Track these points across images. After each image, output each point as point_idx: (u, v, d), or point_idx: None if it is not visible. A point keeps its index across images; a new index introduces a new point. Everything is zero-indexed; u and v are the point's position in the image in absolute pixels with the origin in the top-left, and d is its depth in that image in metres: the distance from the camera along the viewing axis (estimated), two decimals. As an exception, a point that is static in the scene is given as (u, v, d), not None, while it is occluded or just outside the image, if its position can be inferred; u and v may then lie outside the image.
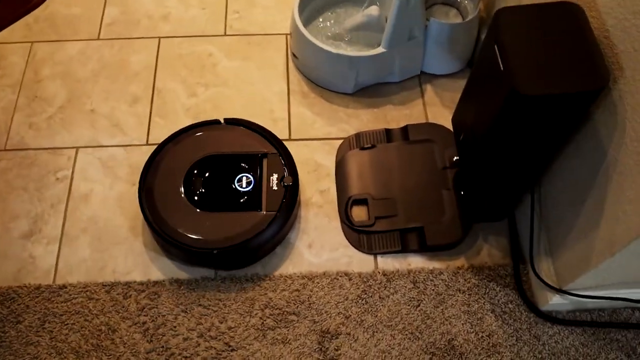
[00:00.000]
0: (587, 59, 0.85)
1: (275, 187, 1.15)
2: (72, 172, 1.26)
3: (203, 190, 1.14)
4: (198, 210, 1.13)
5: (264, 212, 1.13)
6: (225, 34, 1.47)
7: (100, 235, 1.19)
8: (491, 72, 0.92)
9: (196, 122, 1.23)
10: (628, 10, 0.83)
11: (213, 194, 1.15)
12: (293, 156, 1.20)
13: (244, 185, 1.15)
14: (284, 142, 1.22)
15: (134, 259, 1.16)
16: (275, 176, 1.16)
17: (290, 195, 1.15)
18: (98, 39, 1.45)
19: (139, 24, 1.48)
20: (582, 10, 0.90)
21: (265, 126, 1.24)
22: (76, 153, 1.28)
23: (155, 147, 1.28)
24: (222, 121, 1.23)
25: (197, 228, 1.11)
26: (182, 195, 1.14)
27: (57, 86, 1.37)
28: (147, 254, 1.17)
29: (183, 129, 1.22)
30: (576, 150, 0.99)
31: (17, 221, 1.20)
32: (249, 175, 1.16)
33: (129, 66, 1.41)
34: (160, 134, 1.31)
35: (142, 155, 1.28)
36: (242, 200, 1.14)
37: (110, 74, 1.40)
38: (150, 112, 1.34)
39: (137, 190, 1.19)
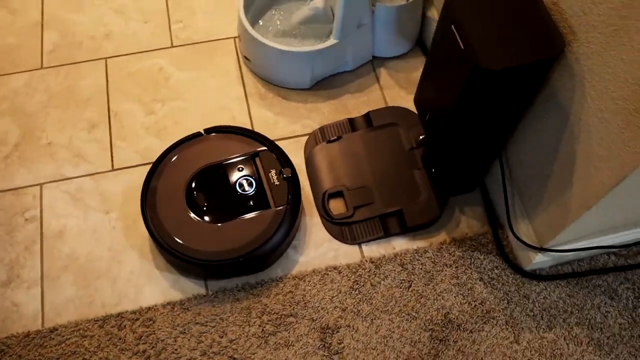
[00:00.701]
0: (541, 27, 0.89)
1: (277, 182, 1.16)
2: (41, 210, 1.22)
3: (207, 204, 1.13)
4: (210, 224, 1.12)
5: (275, 208, 1.14)
6: (172, 46, 1.44)
7: (82, 271, 1.16)
8: (451, 51, 0.94)
9: (178, 139, 1.21)
10: (571, -24, 0.86)
11: (219, 205, 1.14)
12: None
13: (246, 189, 1.15)
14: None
15: (121, 289, 1.14)
16: (273, 172, 1.17)
17: (294, 185, 1.16)
18: (42, 67, 1.40)
19: (81, 47, 1.44)
20: (527, -20, 0.93)
21: (230, 133, 1.23)
22: (41, 190, 1.24)
23: (121, 170, 1.26)
24: (203, 132, 1.22)
25: (216, 242, 1.10)
26: (190, 214, 1.12)
27: (7, 123, 1.32)
28: (132, 281, 1.15)
29: (167, 149, 1.20)
30: (539, 113, 1.03)
31: (-9, 270, 1.16)
32: (249, 177, 1.16)
33: (79, 92, 1.37)
34: (124, 158, 1.28)
35: (111, 181, 1.25)
36: (250, 203, 1.14)
37: (61, 103, 1.35)
38: (111, 137, 1.31)
39: (110, 219, 1.18)
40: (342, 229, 1.20)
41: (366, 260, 1.17)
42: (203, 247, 1.10)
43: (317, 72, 1.35)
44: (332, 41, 1.29)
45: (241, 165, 1.18)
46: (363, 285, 1.15)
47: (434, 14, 1.40)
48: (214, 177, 1.17)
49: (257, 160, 1.19)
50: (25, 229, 1.21)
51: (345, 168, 1.25)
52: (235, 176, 1.17)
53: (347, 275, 1.16)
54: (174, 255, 1.09)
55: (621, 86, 0.81)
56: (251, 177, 1.17)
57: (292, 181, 1.17)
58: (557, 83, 0.96)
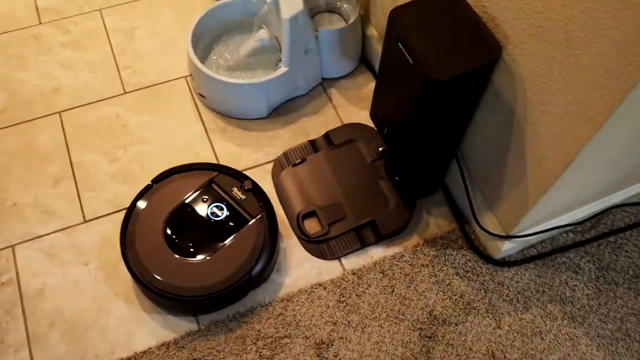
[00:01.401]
0: (477, 35, 0.97)
1: (243, 197, 1.20)
2: (17, 272, 1.21)
3: (190, 243, 1.16)
4: (201, 260, 1.14)
5: (253, 220, 1.18)
6: (124, 92, 1.46)
7: (69, 325, 1.16)
8: (400, 66, 1.01)
9: (134, 197, 1.21)
10: (496, -13, 0.95)
11: (201, 239, 1.17)
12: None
13: (219, 215, 1.18)
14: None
15: (112, 337, 1.14)
16: (235, 189, 1.21)
17: (259, 192, 1.22)
18: (-6, 130, 1.40)
19: (32, 104, 1.43)
20: (460, -6, 1.02)
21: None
22: (13, 251, 1.23)
23: (93, 221, 1.27)
24: (152, 183, 1.23)
25: (214, 273, 1.13)
26: (178, 257, 1.14)
27: (-32, 191, 1.31)
28: (122, 327, 1.16)
29: (129, 207, 1.20)
30: (488, 112, 1.11)
31: (-26, 340, 1.14)
32: (217, 204, 1.20)
33: (38, 149, 1.37)
34: (95, 208, 1.29)
35: (83, 234, 1.25)
36: (229, 224, 1.18)
37: (21, 162, 1.35)
38: (77, 189, 1.31)
39: (90, 270, 1.18)
40: (320, 246, 1.25)
41: (348, 273, 1.22)
42: (202, 284, 1.12)
43: (272, 101, 1.40)
44: (283, 69, 1.34)
45: (204, 197, 1.21)
46: (349, 297, 1.19)
47: (373, 32, 1.47)
48: (185, 216, 1.19)
49: (215, 185, 1.23)
50: (3, 293, 1.19)
51: (314, 188, 1.30)
52: (204, 208, 1.20)
53: (332, 290, 1.20)
54: (169, 299, 1.11)
55: (556, 79, 0.90)
56: (218, 202, 1.20)
57: (256, 190, 1.22)
58: (500, 83, 1.04)
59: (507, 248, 1.22)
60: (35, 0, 1.61)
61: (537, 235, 1.22)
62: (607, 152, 0.98)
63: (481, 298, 1.20)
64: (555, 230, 1.25)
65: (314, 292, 1.19)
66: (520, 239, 1.20)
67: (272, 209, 1.21)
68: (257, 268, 1.14)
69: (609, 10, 0.76)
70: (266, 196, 1.22)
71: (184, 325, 1.16)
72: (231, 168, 1.25)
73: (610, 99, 0.82)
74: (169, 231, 1.17)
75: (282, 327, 1.15)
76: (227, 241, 1.16)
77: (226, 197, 1.21)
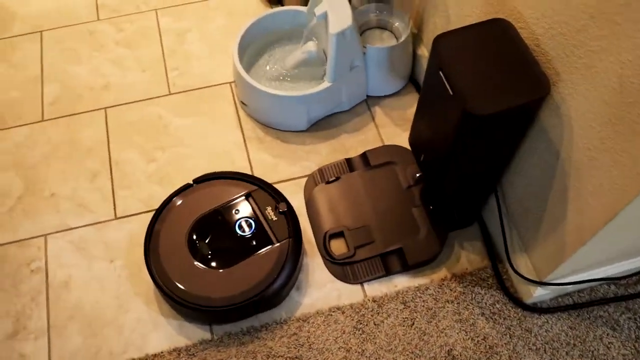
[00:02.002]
0: (526, 69, 0.91)
1: (274, 218, 1.19)
2: (46, 261, 1.24)
3: (210, 251, 1.15)
4: (216, 270, 1.14)
5: (278, 243, 1.16)
6: (170, 93, 1.48)
7: (88, 320, 1.17)
8: (440, 96, 0.97)
9: (170, 193, 1.23)
10: (552, 20, 0.90)
11: (223, 250, 1.16)
12: (263, 203, 1.23)
13: (246, 230, 1.17)
14: (251, 190, 1.25)
15: (127, 337, 1.15)
16: (269, 208, 1.19)
17: (291, 217, 1.19)
18: (42, 120, 1.43)
19: (81, 98, 1.47)
20: (511, 24, 0.96)
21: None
22: (45, 241, 1.26)
23: (124, 219, 1.29)
24: (193, 182, 1.24)
25: (224, 287, 1.12)
26: (195, 263, 1.14)
27: (11, 177, 1.35)
28: (139, 328, 1.16)
29: (165, 201, 1.21)
30: (532, 150, 1.05)
31: (-2, 323, 1.18)
32: (247, 218, 1.18)
33: (80, 142, 1.40)
34: (127, 206, 1.30)
35: (113, 230, 1.27)
36: (252, 243, 1.16)
37: (63, 154, 1.38)
38: (112, 186, 1.33)
39: (115, 267, 1.20)
40: (344, 269, 1.22)
41: (369, 300, 1.18)
42: (211, 294, 1.11)
43: (313, 115, 1.38)
44: (325, 84, 1.32)
45: (237, 208, 1.20)
46: (366, 325, 1.16)
47: (424, 51, 1.43)
48: (212, 223, 1.19)
49: (251, 200, 1.21)
50: (31, 280, 1.22)
51: (345, 208, 1.27)
52: (233, 219, 1.19)
53: (350, 315, 1.17)
54: (181, 304, 1.11)
55: (606, 126, 0.84)
56: (249, 217, 1.19)
57: (289, 214, 1.19)
58: (547, 121, 0.98)
59: (539, 294, 1.15)
60: (97, -5, 1.67)
61: (575, 285, 1.15)
62: (656, 208, 0.90)
63: (505, 343, 1.14)
64: (596, 282, 1.18)
65: (331, 315, 1.17)
66: (555, 287, 1.13)
67: (300, 236, 1.18)
68: (268, 291, 1.12)
69: (668, 59, 0.70)
70: (297, 222, 1.19)
71: (198, 333, 1.15)
72: (272, 186, 1.24)
73: (663, 155, 0.76)
74: (193, 235, 1.17)
75: (295, 348, 1.13)
76: (247, 259, 1.15)
77: (258, 214, 1.20)
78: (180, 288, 1.12)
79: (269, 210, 1.20)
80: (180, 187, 1.23)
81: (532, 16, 0.94)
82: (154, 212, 1.22)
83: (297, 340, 1.14)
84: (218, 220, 1.19)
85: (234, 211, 1.20)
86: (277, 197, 1.22)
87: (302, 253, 1.19)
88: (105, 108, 1.45)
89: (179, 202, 1.21)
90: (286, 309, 1.18)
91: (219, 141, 1.40)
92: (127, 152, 1.38)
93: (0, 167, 1.36)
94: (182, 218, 1.19)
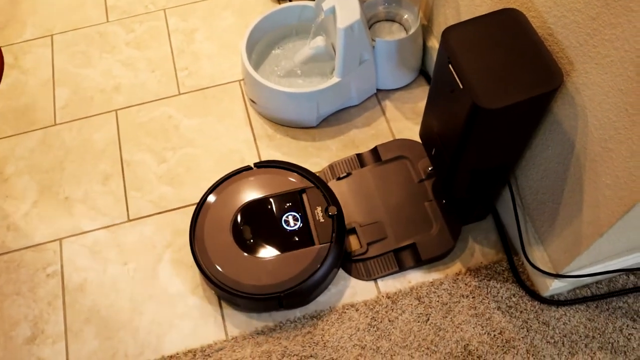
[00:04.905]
0: (538, 60, 0.89)
1: (322, 220, 1.18)
2: (62, 266, 1.25)
3: (252, 238, 1.16)
4: (254, 257, 1.14)
5: (318, 246, 1.15)
6: (179, 93, 1.48)
7: (104, 323, 1.18)
8: (450, 89, 0.95)
9: (228, 172, 1.24)
10: (565, 8, 0.87)
11: (265, 239, 1.16)
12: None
13: (291, 224, 1.17)
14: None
15: (142, 339, 1.16)
16: (319, 209, 1.19)
17: (338, 223, 1.18)
18: (55, 124, 1.44)
19: (92, 101, 1.48)
20: (522, 14, 0.94)
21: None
22: (60, 245, 1.27)
23: (136, 221, 1.29)
24: (253, 166, 1.25)
25: (258, 275, 1.13)
26: (235, 246, 1.15)
27: (25, 181, 1.36)
28: (154, 330, 1.17)
29: (218, 181, 1.23)
30: (546, 141, 1.03)
31: (17, 327, 1.19)
32: (294, 213, 1.18)
33: (92, 145, 1.40)
34: (139, 208, 1.31)
35: (127, 232, 1.28)
36: (294, 239, 1.16)
37: (76, 157, 1.39)
38: (125, 188, 1.34)
39: (129, 270, 1.20)
40: (357, 265, 1.21)
41: (383, 296, 1.18)
42: (247, 281, 1.12)
43: (322, 110, 1.37)
44: (334, 80, 1.31)
45: (288, 201, 1.20)
46: (381, 322, 1.15)
47: (434, 43, 1.41)
48: (261, 210, 1.19)
49: (304, 196, 1.21)
50: (48, 285, 1.23)
51: (356, 204, 1.26)
52: (282, 211, 1.19)
53: (364, 312, 1.16)
54: (220, 288, 1.12)
55: (622, 116, 0.82)
56: (297, 213, 1.19)
57: (338, 219, 1.18)
58: (561, 112, 0.96)
59: (556, 286, 1.13)
60: (105, -3, 1.67)
61: (593, 276, 1.13)
62: (674, 198, 0.88)
63: (522, 337, 1.12)
64: (614, 273, 1.15)
65: (345, 312, 1.16)
66: (572, 278, 1.12)
67: (342, 243, 1.17)
68: (296, 290, 1.11)
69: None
70: (343, 229, 1.18)
71: (213, 334, 1.15)
72: (328, 187, 1.23)
73: (679, 144, 0.74)
74: (240, 217, 1.18)
75: (309, 346, 1.13)
76: (285, 253, 1.15)
77: (308, 212, 1.19)
78: (213, 264, 1.13)
79: (319, 211, 1.19)
80: (240, 168, 1.24)
81: (544, 4, 0.92)
82: (166, 213, 1.22)
83: (311, 338, 1.14)
84: (267, 209, 1.19)
85: (284, 203, 1.20)
86: (330, 200, 1.21)
87: (339, 260, 1.18)
88: (116, 110, 1.46)
89: (235, 182, 1.22)
90: (300, 307, 1.17)
91: (229, 140, 1.40)
92: (138, 153, 1.39)
93: (15, 172, 1.38)
94: (234, 198, 1.20)
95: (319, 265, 1.13)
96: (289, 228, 1.17)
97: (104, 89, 1.49)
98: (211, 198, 1.21)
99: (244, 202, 1.20)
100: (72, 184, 1.35)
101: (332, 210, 1.18)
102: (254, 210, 1.19)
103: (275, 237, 1.17)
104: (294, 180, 1.23)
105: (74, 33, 1.60)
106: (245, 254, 1.14)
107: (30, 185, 1.36)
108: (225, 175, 1.24)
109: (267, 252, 1.15)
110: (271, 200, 1.20)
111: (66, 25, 1.62)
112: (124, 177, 1.35)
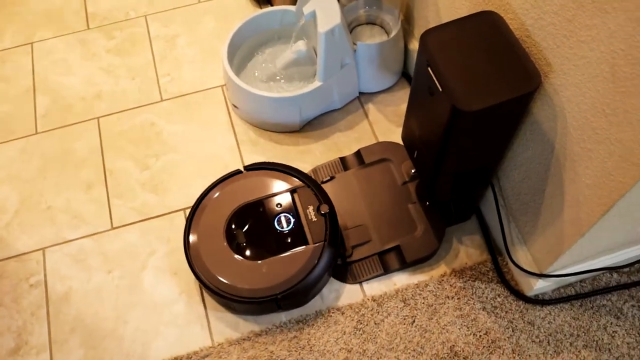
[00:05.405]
0: (516, 62, 0.90)
1: (314, 219, 1.18)
2: (45, 275, 1.24)
3: (246, 241, 1.16)
4: (249, 261, 1.14)
5: (312, 245, 1.15)
6: (162, 100, 1.47)
7: (89, 332, 1.17)
8: (430, 93, 0.96)
9: (218, 177, 1.24)
10: (542, 10, 0.88)
11: (259, 241, 1.16)
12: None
13: (284, 225, 1.17)
14: (247, 194, 1.24)
15: (128, 347, 1.15)
16: (310, 208, 1.19)
17: (331, 221, 1.17)
18: (36, 133, 1.43)
19: (73, 109, 1.46)
20: (500, 16, 0.94)
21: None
22: (44, 255, 1.26)
23: (120, 229, 1.28)
24: (243, 169, 1.25)
25: (253, 279, 1.12)
26: (228, 250, 1.15)
27: (6, 191, 1.35)
28: (139, 338, 1.16)
29: (209, 187, 1.22)
30: (525, 143, 1.04)
31: (0, 339, 1.17)
32: (287, 214, 1.18)
33: (74, 153, 1.39)
34: (122, 216, 1.30)
35: (111, 240, 1.27)
36: (288, 240, 1.16)
37: (57, 166, 1.38)
38: (108, 195, 1.33)
39: (113, 278, 1.19)
40: (342, 269, 1.21)
41: (368, 299, 1.18)
42: (242, 284, 1.11)
43: (305, 115, 1.37)
44: (316, 84, 1.31)
45: (280, 202, 1.20)
46: (367, 325, 1.15)
47: (416, 45, 1.42)
48: (253, 213, 1.19)
49: (296, 196, 1.21)
50: (31, 295, 1.22)
51: (340, 208, 1.26)
52: (274, 212, 1.19)
53: (350, 315, 1.16)
54: (215, 293, 1.12)
55: (599, 116, 0.83)
56: (290, 213, 1.19)
57: (330, 217, 1.18)
58: (540, 113, 0.97)
59: (541, 286, 1.14)
60: (86, 5, 1.65)
61: (576, 276, 1.14)
62: (653, 197, 0.89)
63: (508, 337, 1.13)
64: (597, 271, 1.16)
65: (331, 316, 1.16)
66: (556, 278, 1.12)
67: (336, 241, 1.17)
68: (293, 291, 1.11)
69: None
70: (336, 226, 1.18)
71: (199, 340, 1.15)
72: (319, 186, 1.22)
73: (657, 144, 0.74)
74: (233, 221, 1.17)
75: (295, 351, 1.12)
76: (279, 255, 1.14)
77: (300, 211, 1.19)
78: (208, 269, 1.13)
79: (310, 210, 1.19)
80: (230, 172, 1.24)
81: (522, 7, 0.93)
82: (150, 220, 1.21)
83: (297, 343, 1.13)
84: (259, 211, 1.19)
85: (276, 205, 1.20)
86: (321, 198, 1.20)
87: (334, 259, 1.17)
88: (98, 118, 1.45)
89: (226, 187, 1.22)
90: (286, 312, 1.17)
91: (212, 146, 1.39)
92: (121, 161, 1.38)
93: (-4, 182, 1.37)
94: (226, 202, 1.20)
95: (314, 265, 1.13)
96: (282, 229, 1.17)
97: (85, 96, 1.48)
98: (203, 204, 1.20)
99: (236, 207, 1.19)
100: (54, 193, 1.34)
101: (324, 208, 1.18)
102: (247, 214, 1.19)
103: (269, 239, 1.16)
104: (284, 181, 1.23)
105: (54, 41, 1.59)
106: (240, 257, 1.14)
107: (11, 195, 1.34)
108: (216, 180, 1.23)
109: (262, 254, 1.14)
110: (263, 202, 1.20)
111: (46, 33, 1.60)
112: (106, 185, 1.34)
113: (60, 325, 1.18)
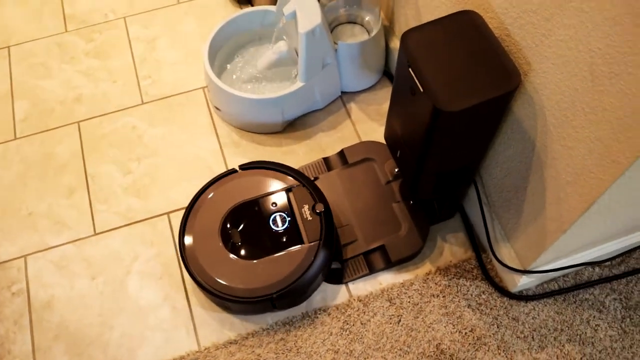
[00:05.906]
0: (496, 61, 0.90)
1: (309, 218, 1.17)
2: (27, 283, 1.22)
3: (241, 241, 1.15)
4: (244, 261, 1.13)
5: (308, 244, 1.15)
6: (143, 102, 1.46)
7: (73, 339, 1.16)
8: (411, 93, 0.96)
9: (214, 176, 1.23)
10: (520, 9, 0.89)
11: (254, 241, 1.16)
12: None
13: (279, 224, 1.16)
14: (231, 197, 1.23)
15: (113, 353, 1.14)
16: (305, 207, 1.18)
17: (327, 220, 1.17)
18: (15, 138, 1.41)
19: (53, 113, 1.44)
20: (480, 16, 0.95)
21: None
22: (25, 262, 1.25)
23: (103, 234, 1.27)
24: (238, 168, 1.24)
25: (248, 279, 1.12)
26: (224, 250, 1.14)
27: (-14, 198, 1.33)
28: (124, 344, 1.15)
29: (204, 187, 1.21)
30: (507, 142, 1.05)
31: (-18, 349, 1.16)
32: (282, 214, 1.17)
33: (55, 158, 1.38)
34: (105, 221, 1.29)
35: (94, 246, 1.26)
36: (283, 239, 1.15)
37: (38, 172, 1.36)
38: (90, 201, 1.31)
39: (97, 284, 1.18)
40: (332, 270, 1.21)
41: (354, 299, 1.18)
42: (237, 284, 1.11)
43: (287, 115, 1.37)
44: (298, 84, 1.30)
45: (275, 201, 1.19)
46: (353, 325, 1.15)
47: (397, 44, 1.42)
48: (248, 212, 1.18)
49: (291, 195, 1.21)
50: (13, 303, 1.21)
51: (325, 208, 1.26)
52: (269, 212, 1.18)
53: (336, 316, 1.16)
54: (211, 293, 1.11)
55: (578, 114, 0.83)
56: (285, 213, 1.18)
57: (325, 216, 1.18)
58: (521, 112, 0.98)
59: (524, 282, 1.15)
60: (63, 7, 1.63)
61: (559, 271, 1.15)
62: (634, 194, 0.90)
63: (493, 333, 1.14)
64: (580, 266, 1.18)
65: (317, 317, 1.16)
66: (539, 273, 1.13)
67: (331, 240, 1.17)
68: (288, 290, 1.11)
69: (638, 46, 0.69)
70: (331, 225, 1.17)
71: (185, 345, 1.14)
72: (314, 185, 1.22)
73: (636, 142, 0.75)
74: (228, 221, 1.17)
75: (282, 353, 1.12)
76: (274, 254, 1.14)
77: (295, 211, 1.19)
78: (204, 269, 1.12)
79: (306, 209, 1.18)
80: (225, 172, 1.23)
81: (501, 6, 0.93)
82: (134, 224, 1.20)
83: (284, 345, 1.13)
84: (254, 211, 1.18)
85: (271, 204, 1.19)
86: (317, 197, 1.20)
87: (329, 257, 1.17)
88: (78, 122, 1.43)
89: (222, 186, 1.21)
90: (272, 314, 1.17)
91: (194, 149, 1.38)
92: (102, 165, 1.36)
93: (-25, 189, 1.34)
94: (221, 202, 1.19)
95: (309, 264, 1.13)
96: (277, 228, 1.17)
97: (64, 100, 1.46)
98: (198, 204, 1.19)
99: (231, 206, 1.19)
100: (35, 199, 1.32)
101: (319, 207, 1.18)
102: (242, 213, 1.18)
103: (264, 239, 1.16)
104: (279, 180, 1.22)
105: (31, 44, 1.57)
106: (236, 257, 1.14)
107: (-9, 202, 1.33)
108: (211, 179, 1.23)
109: (257, 254, 1.14)
110: (258, 201, 1.19)
111: (23, 37, 1.58)
112: (88, 190, 1.33)
113: (43, 333, 1.17)
